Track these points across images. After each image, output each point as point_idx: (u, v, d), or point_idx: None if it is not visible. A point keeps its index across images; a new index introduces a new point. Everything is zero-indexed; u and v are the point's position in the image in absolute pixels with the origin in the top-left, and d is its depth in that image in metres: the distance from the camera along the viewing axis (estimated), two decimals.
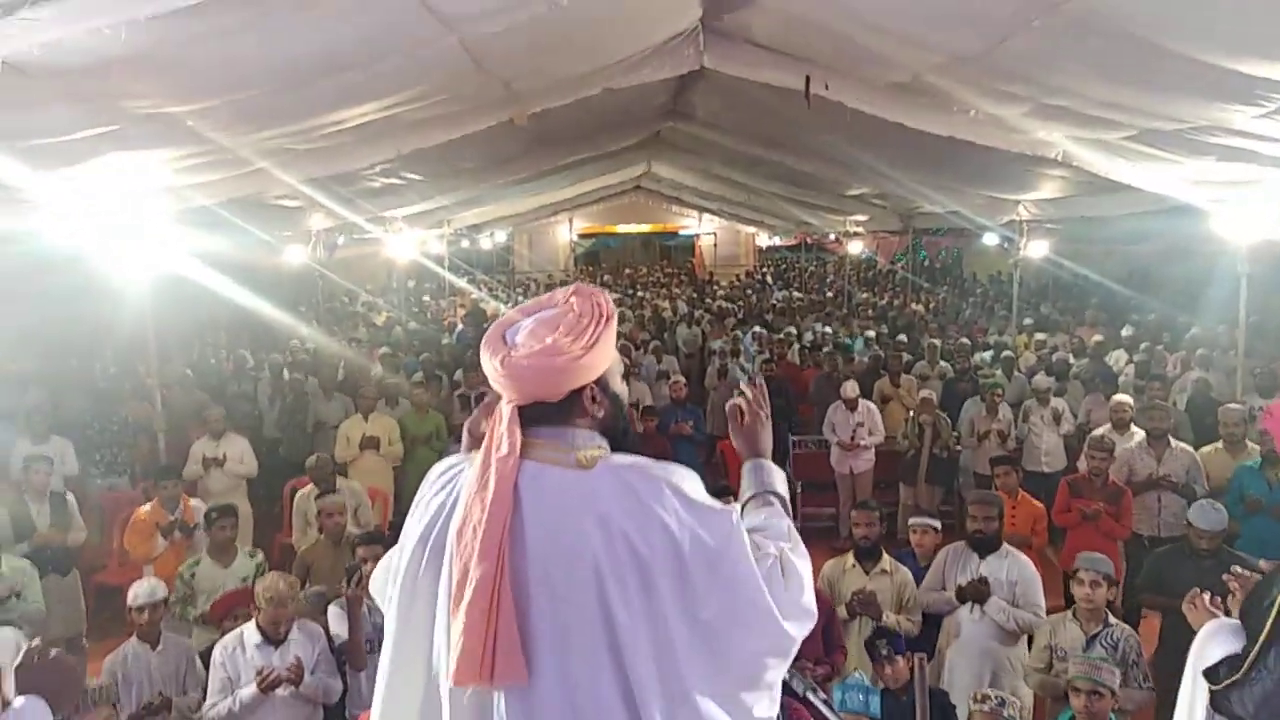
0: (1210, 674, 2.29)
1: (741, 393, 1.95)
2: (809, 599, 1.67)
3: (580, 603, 1.51)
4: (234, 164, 5.74)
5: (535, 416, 1.64)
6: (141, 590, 4.55)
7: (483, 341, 1.68)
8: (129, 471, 8.00)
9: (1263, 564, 2.83)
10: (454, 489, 1.68)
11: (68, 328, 11.21)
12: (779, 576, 1.64)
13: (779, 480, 1.90)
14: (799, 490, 8.62)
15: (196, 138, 4.74)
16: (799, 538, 1.76)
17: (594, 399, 1.67)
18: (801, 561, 1.70)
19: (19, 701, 2.98)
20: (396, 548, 1.77)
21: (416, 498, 1.76)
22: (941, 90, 5.71)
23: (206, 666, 4.29)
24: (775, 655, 1.62)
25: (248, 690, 4.00)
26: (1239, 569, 2.64)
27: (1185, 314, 12.49)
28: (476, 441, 1.77)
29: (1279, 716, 2.16)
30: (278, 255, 11.77)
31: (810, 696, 2.05)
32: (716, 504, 1.61)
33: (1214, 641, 2.35)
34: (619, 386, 1.75)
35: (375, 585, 1.85)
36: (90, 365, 10.95)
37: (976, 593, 4.56)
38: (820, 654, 4.34)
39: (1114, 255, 15.22)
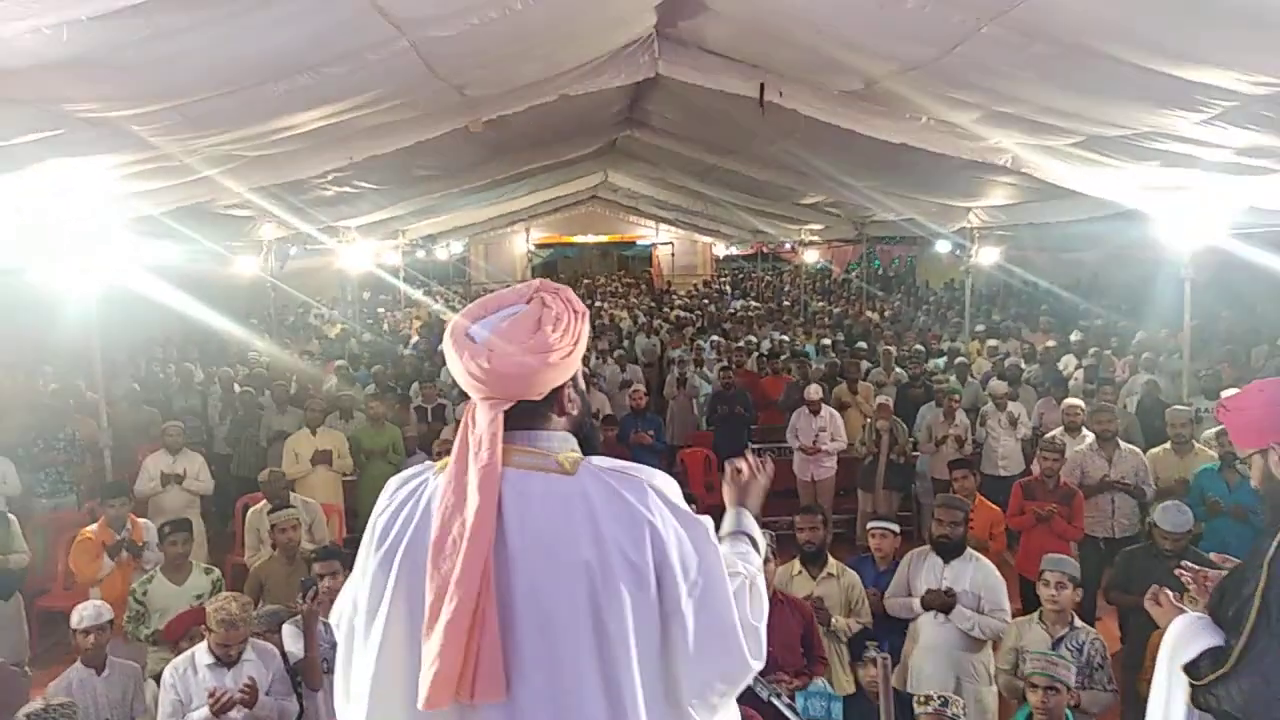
0: (1191, 669, 2.27)
1: (744, 456, 2.01)
2: (764, 632, 1.68)
3: (569, 614, 1.48)
4: (181, 171, 5.62)
5: (512, 417, 1.58)
6: (87, 612, 4.37)
7: (448, 342, 1.61)
8: (75, 490, 7.76)
9: (1214, 556, 2.85)
10: (419, 502, 1.60)
11: (7, 342, 10.88)
12: (745, 595, 1.66)
13: (757, 531, 1.95)
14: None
15: (141, 143, 4.63)
16: (764, 577, 1.79)
17: (569, 396, 1.65)
18: (764, 596, 1.73)
19: None
20: (356, 575, 1.68)
21: (372, 517, 1.67)
22: (893, 97, 5.79)
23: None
24: (726, 681, 1.61)
25: (199, 713, 3.88)
26: (1190, 564, 2.64)
27: (1131, 319, 12.79)
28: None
29: (1265, 709, 2.15)
30: (228, 266, 11.58)
31: (774, 701, 2.03)
32: (690, 511, 1.61)
33: (1191, 636, 2.33)
34: (584, 385, 1.74)
35: (336, 617, 1.72)
36: (32, 380, 10.63)
37: (941, 603, 4.56)
38: (800, 664, 4.31)
39: (1062, 262, 15.54)
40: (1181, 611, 2.44)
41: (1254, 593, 2.17)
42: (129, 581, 5.36)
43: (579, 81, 6.42)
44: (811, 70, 6.06)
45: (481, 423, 1.56)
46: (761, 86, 6.31)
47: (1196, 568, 2.65)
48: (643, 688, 1.50)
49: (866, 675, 4.32)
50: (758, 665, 1.64)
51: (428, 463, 1.71)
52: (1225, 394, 2.51)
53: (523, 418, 1.60)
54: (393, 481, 1.69)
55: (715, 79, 6.50)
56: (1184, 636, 2.36)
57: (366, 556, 1.63)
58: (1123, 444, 6.43)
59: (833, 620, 4.71)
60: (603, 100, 8.59)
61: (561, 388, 1.63)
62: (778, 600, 4.16)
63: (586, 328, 1.66)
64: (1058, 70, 4.30)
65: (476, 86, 5.77)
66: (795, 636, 4.32)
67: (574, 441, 1.65)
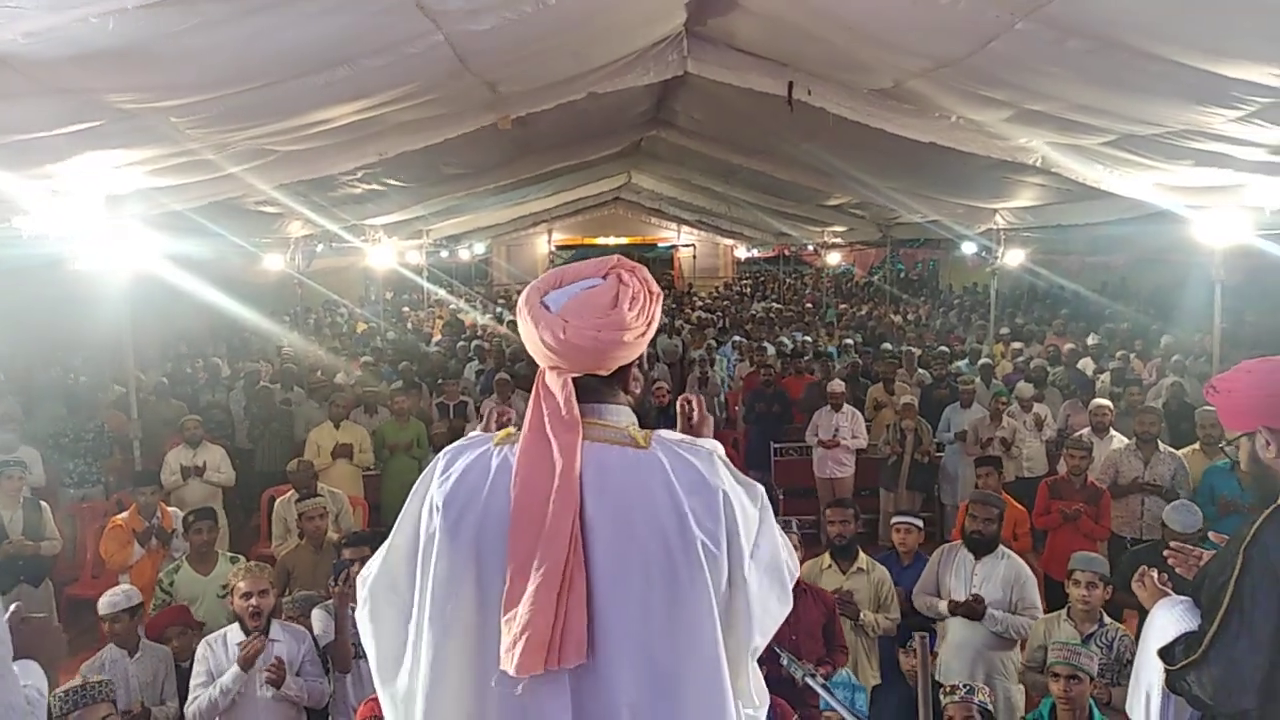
0: (1165, 654, 2.25)
1: (688, 400, 1.94)
2: (795, 575, 1.74)
3: (650, 580, 1.51)
4: (212, 166, 5.68)
5: (580, 390, 1.60)
6: (117, 597, 4.45)
7: (522, 309, 1.63)
8: (103, 482, 7.87)
9: (1212, 536, 2.81)
10: (488, 471, 1.60)
11: (42, 334, 11.04)
12: (781, 546, 1.72)
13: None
14: (780, 496, 8.62)
15: (177, 136, 4.69)
16: None
17: (635, 376, 1.69)
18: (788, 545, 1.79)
19: (15, 666, 2.91)
20: (398, 545, 1.69)
21: (423, 487, 1.67)
22: (923, 96, 5.77)
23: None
24: (776, 626, 1.67)
25: (229, 675, 3.92)
26: (1178, 544, 2.61)
27: (1159, 322, 12.67)
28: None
29: (1235, 694, 2.13)
30: (256, 262, 11.69)
31: (809, 681, 2.04)
32: (747, 477, 1.68)
33: (1168, 619, 2.31)
34: (646, 366, 1.78)
35: (375, 588, 1.72)
36: (65, 373, 10.78)
37: (971, 611, 4.53)
38: (821, 654, 4.31)
39: (1089, 265, 15.43)
40: (1164, 594, 2.41)
41: (1229, 579, 2.15)
42: (158, 569, 5.44)
43: (608, 79, 6.43)
44: (841, 68, 6.05)
45: (555, 390, 1.58)
46: (790, 85, 6.30)
47: (1188, 547, 2.61)
48: (725, 649, 1.55)
49: (907, 663, 4.32)
50: (789, 605, 1.69)
51: (481, 434, 1.72)
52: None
53: (589, 392, 1.63)
54: (446, 452, 1.70)
55: (744, 77, 6.49)
56: (1163, 620, 2.33)
57: (419, 525, 1.64)
58: (1162, 446, 6.38)
59: (861, 615, 4.69)
60: (630, 99, 8.62)
61: (629, 365, 1.66)
62: (801, 589, 4.16)
63: (659, 309, 1.68)
64: (1092, 66, 4.27)
65: (508, 83, 5.80)
66: (817, 626, 4.33)
67: (634, 418, 1.68)
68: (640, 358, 1.70)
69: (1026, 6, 3.81)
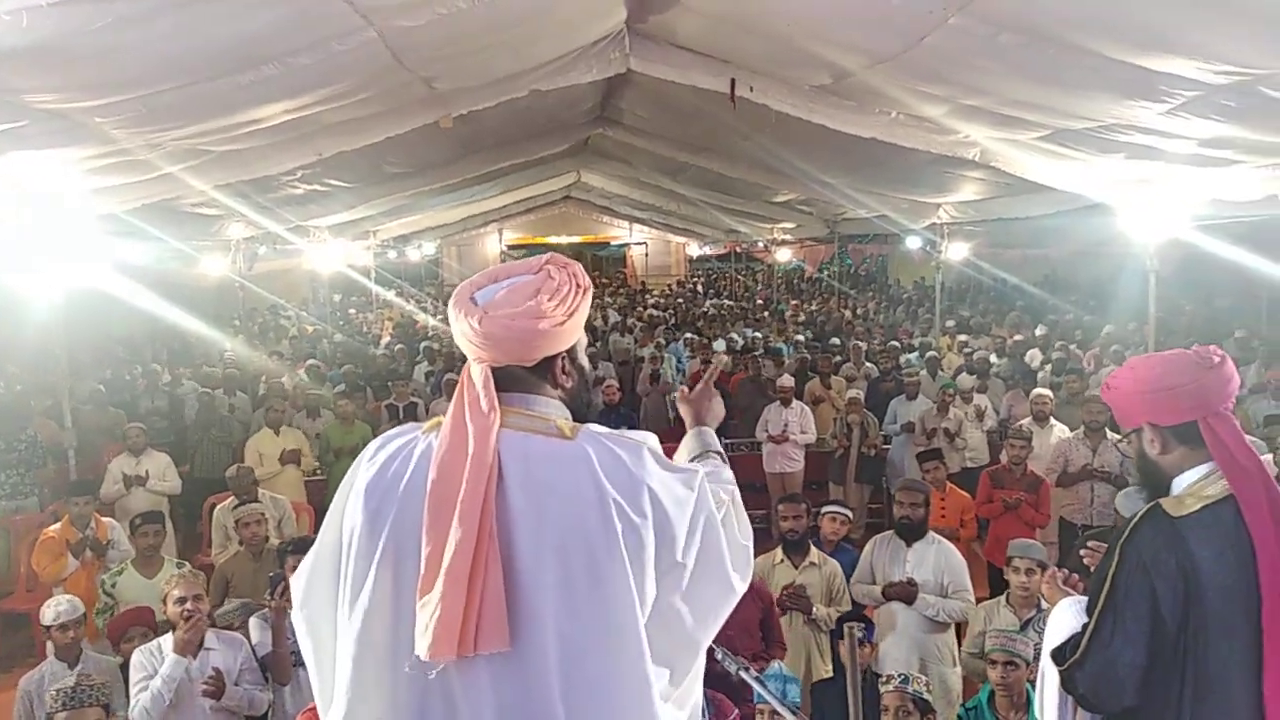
0: (1056, 655, 2.23)
1: (697, 373, 1.99)
2: (749, 547, 1.75)
3: (572, 570, 1.51)
4: (145, 167, 5.54)
5: (506, 382, 1.63)
6: (62, 607, 4.32)
7: (451, 303, 1.66)
8: (37, 493, 7.63)
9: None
10: (410, 459, 1.61)
11: None
12: (732, 519, 1.72)
13: (717, 443, 2.02)
14: None
15: (104, 137, 4.56)
16: (736, 486, 1.86)
17: (564, 369, 1.69)
18: (743, 511, 1.80)
19: None
20: (326, 542, 1.68)
21: (350, 478, 1.67)
22: (863, 91, 5.82)
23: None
24: (722, 609, 1.67)
25: (168, 663, 3.81)
26: (1095, 543, 2.61)
27: (1099, 313, 12.96)
28: None
29: (1112, 694, 2.11)
30: (195, 266, 11.43)
31: (743, 675, 2.03)
32: (682, 464, 1.69)
33: (1063, 619, 2.30)
34: (585, 361, 1.78)
35: (300, 587, 1.72)
36: None
37: (904, 594, 4.62)
38: (758, 649, 4.32)
39: (1030, 258, 15.73)
40: (1066, 594, 2.39)
41: (1106, 577, 2.14)
42: (93, 581, 5.28)
43: (550, 77, 6.39)
44: (782, 64, 6.08)
45: (476, 379, 1.60)
46: (732, 82, 6.32)
47: (1099, 545, 2.59)
48: (648, 641, 1.54)
49: (844, 652, 4.35)
50: (741, 588, 1.68)
51: (412, 424, 1.73)
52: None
53: (515, 383, 1.64)
54: (374, 443, 1.70)
55: (686, 74, 6.50)
56: (1058, 620, 2.32)
57: (344, 517, 1.63)
58: (1109, 434, 6.51)
59: (815, 609, 4.73)
60: (574, 96, 8.58)
61: (555, 358, 1.67)
62: None
63: (587, 302, 1.69)
64: (1024, 61, 4.34)
65: (446, 80, 5.73)
66: (754, 622, 4.36)
67: (568, 412, 1.68)
68: (571, 352, 1.70)
69: (958, 1, 3.85)
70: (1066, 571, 2.53)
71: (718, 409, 2.08)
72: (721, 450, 2.00)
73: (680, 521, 1.59)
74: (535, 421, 1.60)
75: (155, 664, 3.92)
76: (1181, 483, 2.21)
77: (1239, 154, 4.98)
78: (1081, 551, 2.63)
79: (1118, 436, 6.53)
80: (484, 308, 1.61)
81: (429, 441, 1.62)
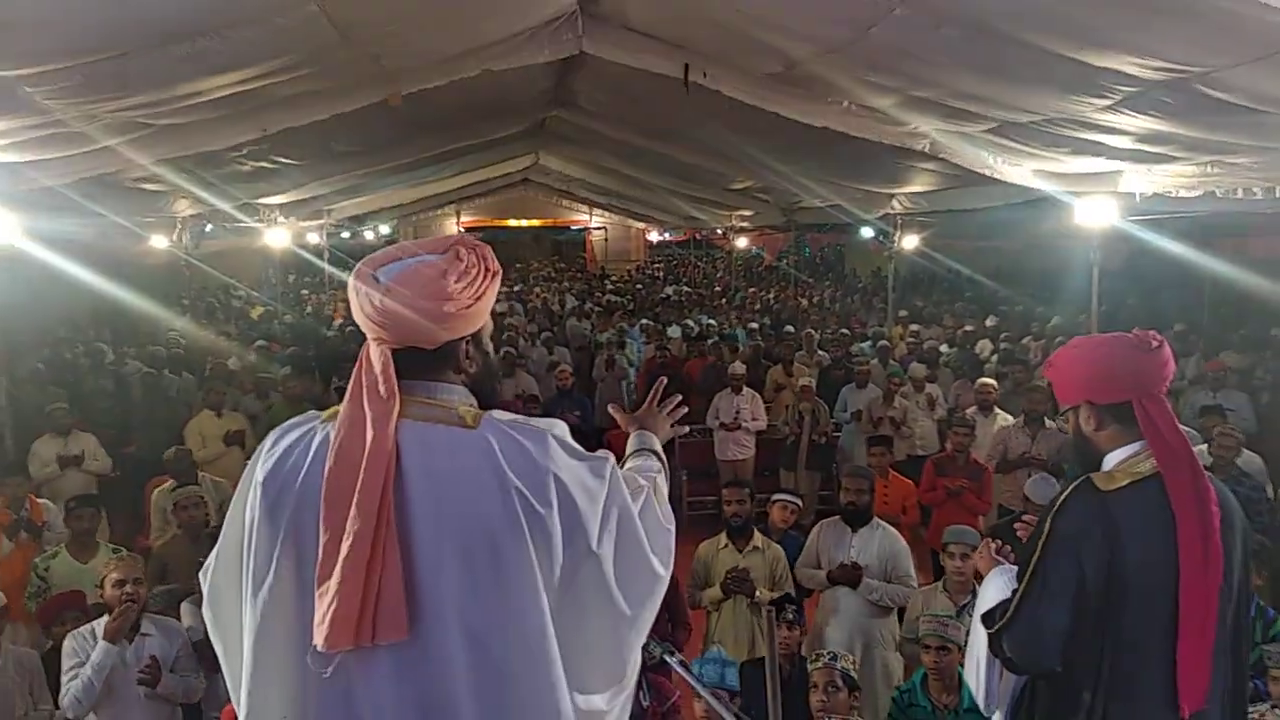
0: (986, 619, 2.34)
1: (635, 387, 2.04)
2: (671, 531, 1.74)
3: (474, 561, 1.49)
4: (82, 139, 5.38)
5: (407, 366, 1.58)
6: None
7: (352, 280, 1.61)
8: None
9: None
10: (309, 449, 1.58)
11: None
12: (651, 505, 1.72)
13: (658, 445, 2.04)
14: (684, 478, 8.69)
15: (35, 107, 4.41)
16: (666, 477, 1.88)
17: (468, 354, 1.65)
18: (666, 499, 1.81)
19: None
20: (229, 535, 1.65)
21: (250, 470, 1.63)
22: (815, 80, 5.84)
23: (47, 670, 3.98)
24: (650, 597, 1.67)
25: (98, 650, 3.72)
26: (1029, 517, 2.74)
27: (1047, 305, 13.18)
28: None
29: (1035, 655, 2.22)
30: (141, 243, 11.17)
31: (667, 659, 2.05)
32: (595, 452, 1.66)
33: (994, 587, 2.42)
34: (489, 346, 1.74)
35: (206, 581, 1.71)
36: None
37: (848, 577, 4.69)
38: (665, 630, 4.35)
39: (982, 249, 15.94)
40: (998, 563, 2.51)
41: (1035, 545, 2.25)
42: (28, 564, 5.16)
43: (501, 57, 6.31)
44: (734, 52, 6.07)
45: (375, 362, 1.55)
46: (686, 67, 6.30)
47: (1032, 519, 2.69)
48: (555, 630, 1.52)
49: (783, 637, 4.40)
50: (666, 574, 1.69)
51: (312, 413, 1.68)
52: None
53: (417, 368, 1.59)
54: (273, 434, 1.66)
55: (640, 58, 6.46)
56: (989, 587, 2.44)
57: (245, 509, 1.60)
58: (1048, 422, 6.63)
59: (758, 592, 4.78)
60: (528, 77, 8.48)
61: (459, 342, 1.62)
62: None
63: (495, 287, 1.65)
64: (968, 54, 4.38)
65: (393, 57, 5.64)
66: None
67: (473, 399, 1.64)
68: (476, 337, 1.66)
69: None
70: (1000, 543, 2.64)
71: (664, 425, 2.10)
72: (659, 451, 2.00)
73: (590, 510, 1.57)
74: (436, 410, 1.57)
75: (88, 649, 3.83)
76: (1112, 459, 2.30)
77: (1177, 150, 5.09)
78: (1015, 525, 2.74)
79: (1055, 425, 6.68)
80: (386, 285, 1.55)
81: (327, 431, 1.58)
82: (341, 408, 1.57)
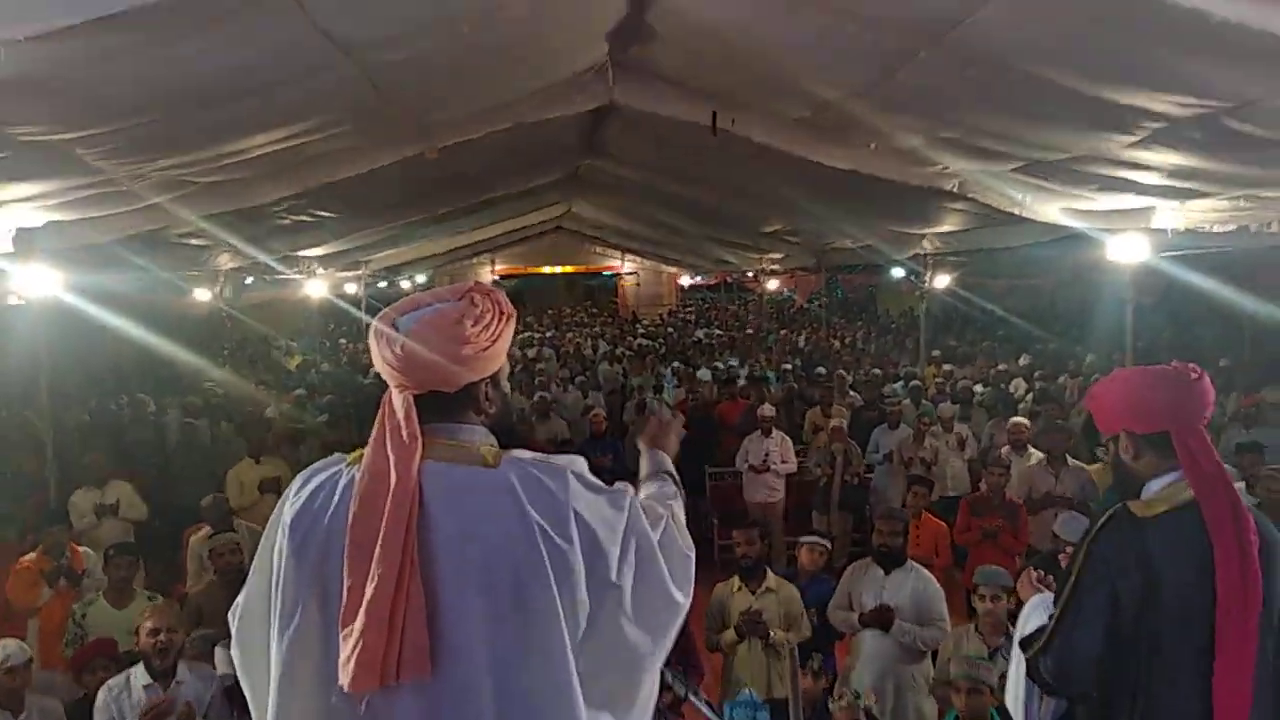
0: (1024, 644, 2.40)
1: (655, 410, 2.08)
2: (691, 558, 1.75)
3: (497, 600, 1.51)
4: (129, 198, 5.57)
5: (429, 410, 1.62)
6: (9, 650, 4.09)
7: (372, 331, 1.66)
8: (17, 525, 7.59)
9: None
10: (335, 492, 1.61)
11: None
12: (672, 533, 1.74)
13: (671, 466, 2.06)
14: (715, 522, 8.64)
15: (86, 168, 4.60)
16: (682, 501, 1.90)
17: (487, 395, 1.69)
18: (683, 525, 1.82)
19: None
20: (257, 578, 1.68)
21: (278, 513, 1.67)
22: (841, 124, 5.91)
23: None
24: (670, 625, 1.68)
25: None
26: (1071, 548, 2.76)
27: (1082, 342, 13.03)
28: None
29: (1071, 679, 2.26)
30: (184, 296, 11.45)
31: (692, 699, 2.05)
32: (615, 486, 1.68)
33: (1033, 612, 2.47)
34: (506, 387, 1.79)
35: (235, 624, 1.73)
36: None
37: (881, 620, 4.63)
38: (677, 669, 4.31)
39: (1018, 287, 15.82)
40: (1039, 590, 2.56)
41: (1072, 572, 2.29)
42: (67, 611, 5.24)
43: (535, 109, 6.47)
44: (761, 97, 6.17)
45: (397, 408, 1.60)
46: (714, 114, 6.41)
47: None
48: (576, 664, 1.54)
49: (807, 685, 4.36)
50: (686, 602, 1.70)
51: (338, 455, 1.72)
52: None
53: (438, 411, 1.63)
54: (299, 477, 1.70)
55: (669, 106, 6.59)
56: (1029, 614, 2.49)
57: (273, 551, 1.63)
58: (1071, 461, 6.55)
59: (772, 634, 4.73)
60: (561, 128, 8.65)
61: (478, 384, 1.67)
62: None
63: (510, 329, 1.70)
64: (993, 94, 4.43)
65: (430, 112, 5.81)
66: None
67: (493, 439, 1.68)
68: (494, 379, 1.71)
69: (928, 35, 3.93)
70: (1042, 572, 2.69)
71: (672, 438, 2.11)
72: (673, 472, 2.03)
73: (610, 542, 1.59)
74: (458, 451, 1.60)
75: (121, 705, 3.88)
76: (1152, 488, 2.34)
77: (1208, 185, 5.07)
78: (1059, 555, 2.87)
79: (1079, 463, 6.60)
80: (406, 332, 1.61)
81: (353, 474, 1.61)
82: (365, 453, 1.60)
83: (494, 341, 1.65)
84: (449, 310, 1.64)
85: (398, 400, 1.61)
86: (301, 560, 1.58)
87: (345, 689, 1.47)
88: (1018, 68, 4.00)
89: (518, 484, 1.56)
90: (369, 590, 1.47)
